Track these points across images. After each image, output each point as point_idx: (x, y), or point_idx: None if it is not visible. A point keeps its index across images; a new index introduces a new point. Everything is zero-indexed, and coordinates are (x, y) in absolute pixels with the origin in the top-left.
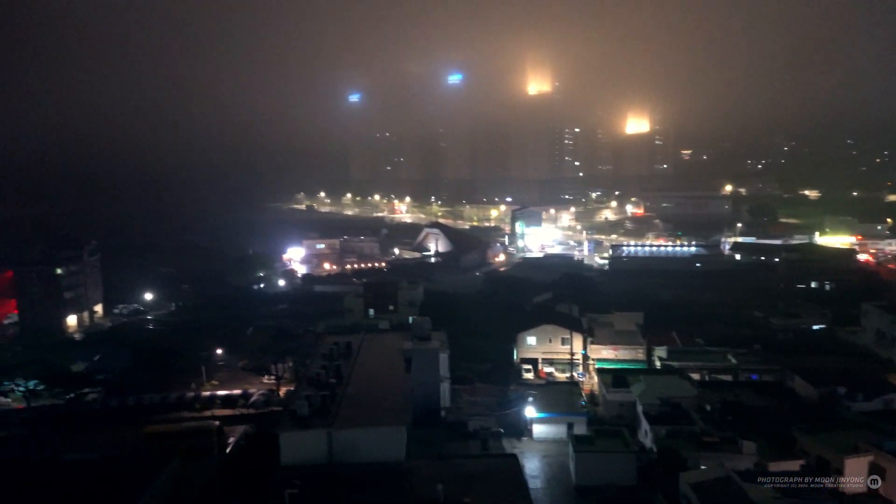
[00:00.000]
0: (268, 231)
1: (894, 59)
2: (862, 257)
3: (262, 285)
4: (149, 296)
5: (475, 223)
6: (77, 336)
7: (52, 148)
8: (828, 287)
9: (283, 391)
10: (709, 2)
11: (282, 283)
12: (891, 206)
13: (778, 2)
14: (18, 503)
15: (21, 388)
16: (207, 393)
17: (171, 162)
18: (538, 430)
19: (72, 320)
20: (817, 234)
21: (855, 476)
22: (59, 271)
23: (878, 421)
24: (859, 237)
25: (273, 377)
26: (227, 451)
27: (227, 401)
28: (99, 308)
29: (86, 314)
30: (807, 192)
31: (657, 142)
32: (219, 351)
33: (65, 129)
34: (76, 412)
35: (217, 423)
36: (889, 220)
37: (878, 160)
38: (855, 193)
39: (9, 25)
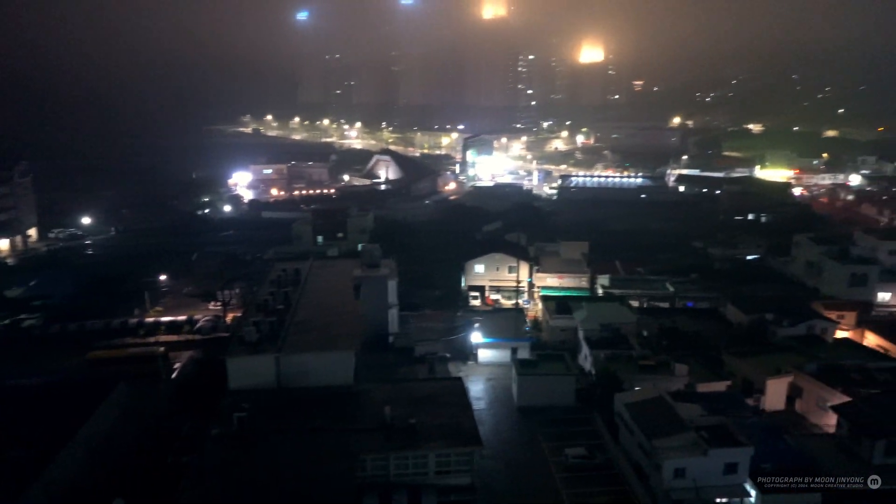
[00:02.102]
0: (213, 155)
1: None
2: (797, 191)
3: (207, 211)
4: (87, 220)
5: (426, 150)
6: (10, 261)
7: None
8: (764, 219)
9: (230, 318)
10: None
11: (228, 208)
12: (828, 141)
13: None
14: None
15: None
16: (152, 319)
17: (109, 78)
18: (483, 354)
19: (3, 244)
20: (758, 167)
21: (775, 395)
22: None
23: (801, 345)
24: (797, 171)
25: (220, 303)
26: (174, 376)
27: (173, 327)
28: (33, 232)
29: (18, 238)
30: (751, 126)
31: (610, 72)
32: (163, 277)
33: None
34: (13, 338)
35: (162, 348)
36: (825, 154)
37: (819, 96)
38: (796, 128)
39: None
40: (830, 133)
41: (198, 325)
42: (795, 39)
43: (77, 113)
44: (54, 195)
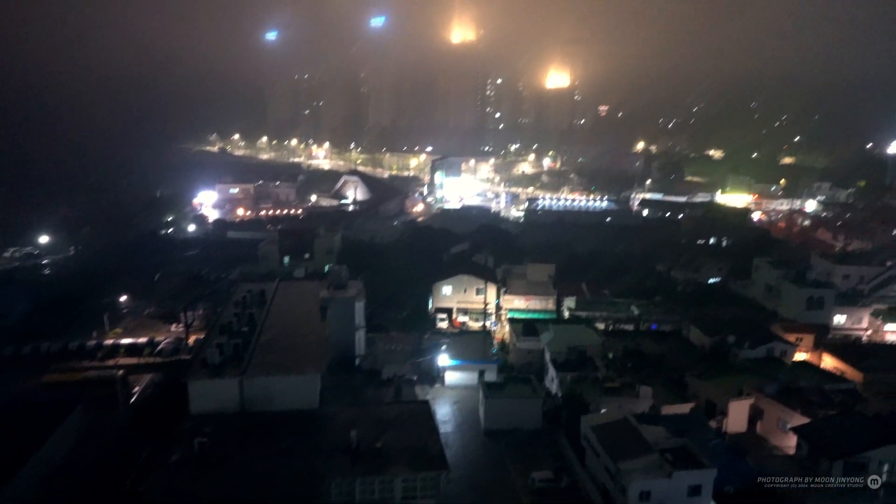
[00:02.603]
0: (178, 173)
1: (796, 26)
2: (756, 216)
3: (171, 230)
4: (45, 238)
5: (395, 172)
6: None
7: None
8: (725, 243)
9: (192, 339)
10: None
11: (192, 228)
12: (785, 167)
13: None
14: None
15: None
16: (111, 341)
17: (71, 93)
18: (450, 377)
19: None
20: (719, 192)
21: (737, 417)
22: None
23: (762, 367)
24: (756, 196)
25: (182, 325)
26: (133, 400)
27: (133, 349)
28: None
29: None
30: (712, 152)
31: (576, 97)
32: (123, 298)
33: None
34: None
35: (121, 371)
36: (783, 181)
37: (777, 123)
38: (755, 154)
39: None
40: (787, 160)
41: (159, 348)
42: (753, 69)
43: (37, 129)
44: (10, 213)
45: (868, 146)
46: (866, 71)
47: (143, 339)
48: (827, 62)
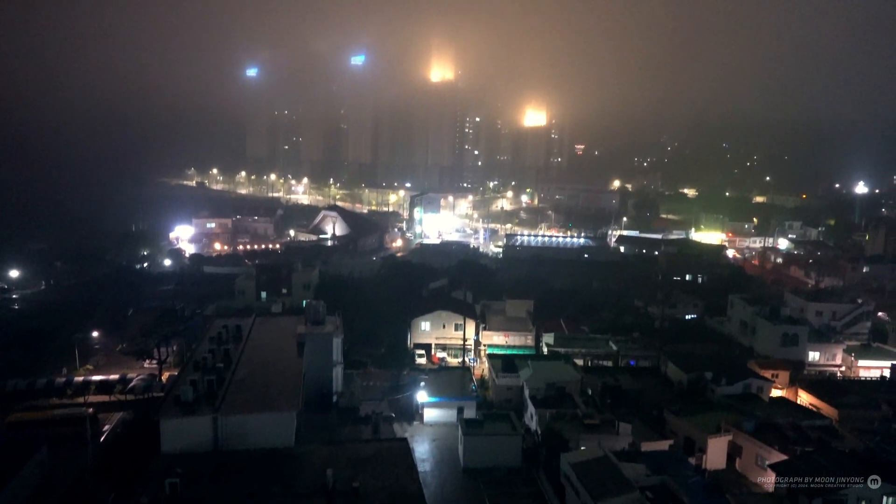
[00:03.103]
0: (154, 207)
1: (764, 70)
2: (730, 253)
3: (146, 264)
4: (14, 273)
5: (374, 207)
6: None
7: None
8: (700, 280)
9: (166, 376)
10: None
11: (168, 262)
12: (758, 206)
13: (665, 12)
14: None
15: None
16: (81, 378)
17: (47, 125)
18: (429, 414)
19: None
20: (694, 229)
21: (716, 454)
22: None
23: (739, 403)
24: (730, 234)
25: (155, 361)
26: (102, 439)
27: (103, 386)
28: None
29: None
30: (686, 191)
31: (553, 135)
32: (95, 333)
33: None
34: None
35: (90, 409)
36: (755, 219)
37: (748, 164)
38: (728, 193)
39: None
40: (759, 199)
41: (131, 385)
42: (722, 111)
43: (9, 162)
44: None
45: (836, 186)
46: (832, 114)
47: (114, 376)
48: (794, 105)
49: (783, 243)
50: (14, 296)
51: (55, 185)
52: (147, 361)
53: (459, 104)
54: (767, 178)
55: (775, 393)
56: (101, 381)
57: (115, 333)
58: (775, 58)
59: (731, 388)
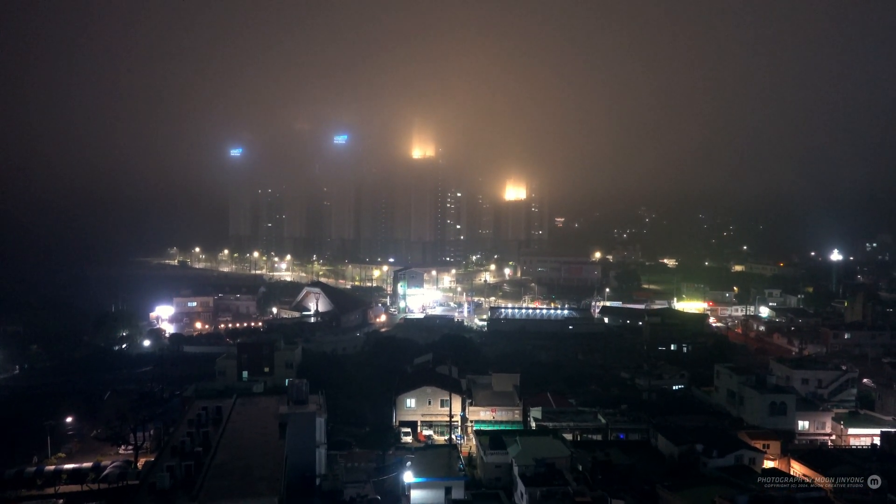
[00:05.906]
0: (134, 287)
1: (736, 146)
2: (712, 321)
3: (124, 346)
4: None
5: (357, 283)
6: None
7: None
8: (685, 349)
9: (142, 462)
10: (577, 85)
11: (147, 343)
12: (737, 275)
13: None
14: None
15: None
16: (52, 467)
17: (25, 208)
18: (416, 495)
19: None
20: (675, 299)
21: None
22: None
23: (732, 476)
24: (710, 303)
25: (131, 447)
26: None
27: (76, 475)
28: None
29: None
30: (666, 261)
31: (533, 209)
32: (69, 419)
33: None
34: None
35: (60, 501)
36: (735, 288)
37: (725, 234)
38: (707, 263)
39: None
40: (738, 268)
41: (105, 473)
42: (699, 183)
43: None
44: None
45: (811, 254)
46: (803, 185)
47: (87, 464)
48: (766, 177)
49: (764, 311)
50: None
51: (33, 267)
52: (122, 447)
53: (441, 180)
54: (745, 248)
55: (768, 464)
56: (73, 470)
57: (91, 418)
58: (747, 135)
59: (723, 461)
